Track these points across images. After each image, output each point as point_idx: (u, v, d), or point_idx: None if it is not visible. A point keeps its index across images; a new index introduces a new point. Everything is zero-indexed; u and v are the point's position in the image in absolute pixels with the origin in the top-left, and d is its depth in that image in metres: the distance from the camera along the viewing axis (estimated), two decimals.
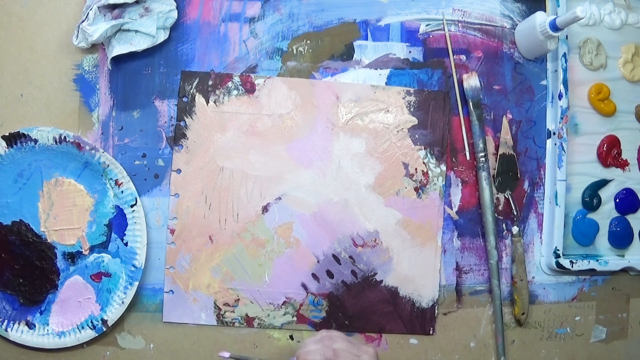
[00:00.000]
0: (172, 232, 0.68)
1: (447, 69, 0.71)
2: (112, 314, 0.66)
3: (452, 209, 0.71)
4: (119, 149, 0.68)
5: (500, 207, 0.71)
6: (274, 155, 0.69)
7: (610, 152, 0.72)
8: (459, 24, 0.72)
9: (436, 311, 0.70)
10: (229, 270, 0.68)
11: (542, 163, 0.72)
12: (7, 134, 0.65)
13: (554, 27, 0.64)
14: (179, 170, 0.68)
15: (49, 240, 0.66)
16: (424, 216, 0.70)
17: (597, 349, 0.73)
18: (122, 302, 0.66)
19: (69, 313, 0.66)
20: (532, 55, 0.72)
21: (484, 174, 0.69)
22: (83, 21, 0.63)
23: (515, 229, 0.70)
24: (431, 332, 0.70)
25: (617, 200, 0.73)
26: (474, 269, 0.71)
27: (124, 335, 0.68)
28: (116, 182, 0.66)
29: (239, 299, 0.68)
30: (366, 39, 0.71)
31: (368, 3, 0.71)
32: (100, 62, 0.68)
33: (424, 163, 0.70)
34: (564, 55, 0.69)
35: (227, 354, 0.60)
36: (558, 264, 0.69)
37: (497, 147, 0.71)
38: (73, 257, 0.67)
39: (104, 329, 0.65)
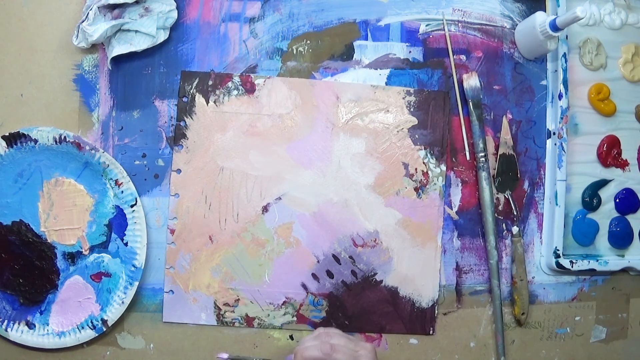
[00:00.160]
0: (172, 232, 0.68)
1: (447, 69, 0.71)
2: (112, 314, 0.66)
3: (452, 209, 0.71)
4: (119, 149, 0.68)
5: (500, 207, 0.71)
6: (274, 155, 0.69)
7: (610, 152, 0.72)
8: (459, 24, 0.72)
9: (436, 311, 0.70)
10: (229, 270, 0.68)
11: (542, 163, 0.72)
12: (7, 134, 0.65)
13: (554, 27, 0.64)
14: (179, 170, 0.68)
15: (49, 240, 0.66)
16: (424, 216, 0.70)
17: (597, 349, 0.73)
18: (122, 302, 0.66)
19: (69, 313, 0.66)
20: (532, 55, 0.72)
21: (484, 174, 0.69)
22: (83, 21, 0.63)
23: (515, 229, 0.70)
24: (431, 332, 0.70)
25: (617, 200, 0.73)
26: (474, 269, 0.71)
27: (124, 335, 0.68)
28: (116, 182, 0.66)
29: (239, 299, 0.68)
30: (366, 39, 0.71)
31: (368, 3, 0.71)
32: (100, 62, 0.68)
33: (424, 163, 0.70)
34: (564, 55, 0.69)
35: (225, 355, 0.60)
36: (558, 264, 0.69)
37: (497, 147, 0.71)
38: (73, 257, 0.67)
39: (104, 329, 0.65)
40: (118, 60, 0.67)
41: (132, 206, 0.66)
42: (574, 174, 0.71)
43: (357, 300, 0.69)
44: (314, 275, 0.69)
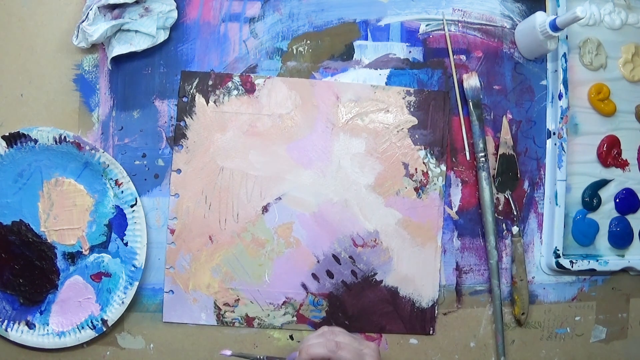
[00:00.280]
0: (172, 232, 0.68)
1: (447, 69, 0.71)
2: (112, 314, 0.66)
3: (452, 209, 0.71)
4: (119, 149, 0.68)
5: (500, 207, 0.71)
6: (274, 155, 0.69)
7: (610, 152, 0.72)
8: (459, 24, 0.72)
9: (436, 311, 0.70)
10: (229, 270, 0.68)
11: (542, 163, 0.72)
12: (7, 134, 0.65)
13: (554, 27, 0.64)
14: (179, 170, 0.68)
15: (49, 240, 0.66)
16: (424, 216, 0.70)
17: (597, 349, 0.73)
18: (122, 302, 0.66)
19: (69, 313, 0.66)
20: (532, 55, 0.72)
21: (484, 174, 0.69)
22: (83, 21, 0.63)
23: (515, 229, 0.70)
24: (431, 332, 0.70)
25: (617, 200, 0.73)
26: (474, 269, 0.71)
27: (124, 335, 0.68)
28: (116, 182, 0.66)
29: (239, 299, 0.68)
30: (366, 39, 0.71)
31: (368, 3, 0.71)
32: (100, 62, 0.68)
33: (424, 163, 0.70)
34: (564, 55, 0.69)
35: (228, 352, 0.60)
36: (558, 264, 0.69)
37: (497, 147, 0.71)
38: (73, 257, 0.67)
39: (104, 329, 0.65)
40: (118, 60, 0.67)
41: (132, 206, 0.66)
42: (574, 174, 0.71)
43: (357, 300, 0.69)
44: (314, 275, 0.69)
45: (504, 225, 0.71)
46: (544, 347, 0.72)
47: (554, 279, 0.72)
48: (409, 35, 0.71)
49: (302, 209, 0.69)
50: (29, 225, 0.66)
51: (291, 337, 0.69)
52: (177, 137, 0.68)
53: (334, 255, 0.69)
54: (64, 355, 0.67)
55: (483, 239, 0.71)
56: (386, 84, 0.71)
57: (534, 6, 0.72)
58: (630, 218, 0.73)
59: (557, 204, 0.69)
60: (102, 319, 0.66)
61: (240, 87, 0.69)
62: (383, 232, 0.69)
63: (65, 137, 0.65)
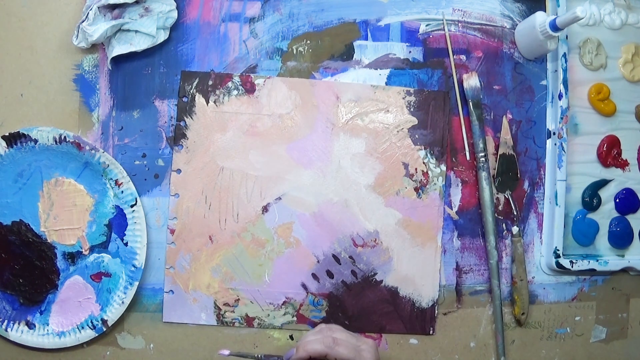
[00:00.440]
0: (172, 232, 0.68)
1: (447, 69, 0.71)
2: (112, 314, 0.66)
3: (452, 209, 0.71)
4: (119, 149, 0.68)
5: (500, 207, 0.71)
6: (274, 155, 0.69)
7: (610, 152, 0.72)
8: (459, 24, 0.72)
9: (436, 311, 0.70)
10: (229, 270, 0.68)
11: (542, 163, 0.72)
12: (7, 134, 0.65)
13: (554, 27, 0.64)
14: (179, 170, 0.68)
15: (49, 240, 0.66)
16: (424, 216, 0.70)
17: (597, 349, 0.73)
18: (122, 302, 0.66)
19: (69, 313, 0.66)
20: (532, 55, 0.72)
21: (484, 174, 0.69)
22: (83, 21, 0.63)
23: (515, 229, 0.70)
24: (431, 332, 0.70)
25: (617, 200, 0.73)
26: (474, 269, 0.71)
27: (124, 335, 0.68)
28: (116, 182, 0.66)
29: (239, 299, 0.68)
30: (366, 39, 0.71)
31: (368, 3, 0.71)
32: (100, 62, 0.68)
33: (424, 163, 0.70)
34: (564, 55, 0.69)
35: (227, 352, 0.60)
36: (558, 264, 0.69)
37: (497, 147, 0.71)
38: (73, 257, 0.67)
39: (104, 329, 0.65)
40: (118, 60, 0.67)
41: (132, 206, 0.66)
42: (574, 174, 0.71)
43: (357, 300, 0.69)
44: (314, 275, 0.69)
45: (504, 225, 0.71)
46: (544, 347, 0.72)
47: (554, 279, 0.72)
48: (409, 35, 0.71)
49: (302, 209, 0.69)
50: (29, 225, 0.66)
51: (291, 337, 0.69)
52: (177, 137, 0.68)
53: (334, 255, 0.69)
54: (64, 355, 0.67)
55: (483, 239, 0.71)
56: (386, 84, 0.71)
57: (534, 6, 0.72)
58: (630, 218, 0.73)
59: (557, 204, 0.69)
60: (102, 319, 0.66)
61: (240, 87, 0.69)
62: (383, 232, 0.69)
63: (65, 137, 0.65)
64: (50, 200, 0.66)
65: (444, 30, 0.71)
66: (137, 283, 0.66)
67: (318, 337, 0.57)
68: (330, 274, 0.69)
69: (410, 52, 0.71)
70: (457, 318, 0.71)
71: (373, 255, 0.69)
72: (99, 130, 0.68)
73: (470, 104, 0.70)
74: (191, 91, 0.68)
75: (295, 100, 0.69)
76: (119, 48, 0.65)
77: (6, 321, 0.65)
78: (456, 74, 0.71)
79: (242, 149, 0.68)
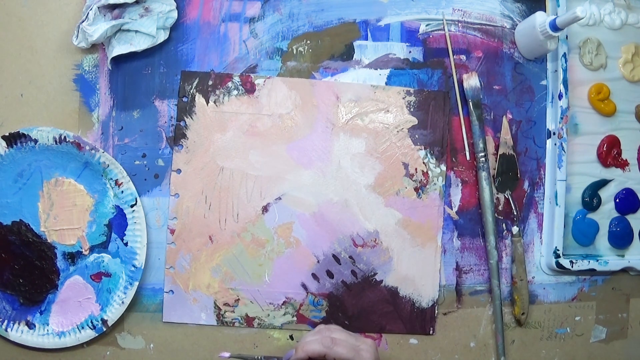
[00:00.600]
0: (172, 232, 0.68)
1: (447, 69, 0.71)
2: (112, 314, 0.66)
3: (452, 209, 0.71)
4: (119, 149, 0.68)
5: (500, 207, 0.71)
6: (274, 155, 0.69)
7: (610, 152, 0.72)
8: (459, 24, 0.72)
9: (436, 311, 0.70)
10: (229, 270, 0.68)
11: (542, 163, 0.72)
12: (7, 134, 0.65)
13: (554, 27, 0.64)
14: (179, 170, 0.68)
15: (49, 240, 0.66)
16: (424, 216, 0.70)
17: (597, 349, 0.73)
18: (122, 302, 0.66)
19: (69, 313, 0.66)
20: (532, 55, 0.72)
21: (484, 174, 0.69)
22: (83, 21, 0.63)
23: (515, 229, 0.70)
24: (431, 332, 0.70)
25: (617, 200, 0.73)
26: (474, 269, 0.71)
27: (124, 335, 0.68)
28: (116, 182, 0.66)
29: (239, 299, 0.68)
30: (366, 39, 0.71)
31: (368, 3, 0.71)
32: (100, 62, 0.68)
33: (424, 163, 0.70)
34: (564, 55, 0.69)
35: (227, 354, 0.60)
36: (558, 264, 0.69)
37: (497, 147, 0.71)
38: (73, 257, 0.67)
39: (104, 329, 0.65)
40: (118, 60, 0.67)
41: (132, 206, 0.66)
42: (574, 174, 0.71)
43: (357, 300, 0.69)
44: (314, 275, 0.69)
45: (504, 225, 0.71)
46: (544, 347, 0.72)
47: (554, 279, 0.72)
48: (409, 35, 0.71)
49: (302, 209, 0.69)
50: (29, 225, 0.66)
51: (291, 337, 0.69)
52: (177, 137, 0.68)
53: (334, 255, 0.69)
54: (64, 355, 0.67)
55: (483, 239, 0.71)
56: (386, 84, 0.71)
57: (534, 6, 0.72)
58: (630, 218, 0.73)
59: (557, 204, 0.69)
60: (102, 319, 0.66)
61: (240, 87, 0.69)
62: (383, 232, 0.69)
63: (65, 137, 0.65)
64: (50, 200, 0.66)
65: (444, 30, 0.71)
66: (137, 283, 0.66)
67: (317, 337, 0.57)
68: (330, 274, 0.69)
69: (410, 52, 0.71)
70: (457, 318, 0.71)
71: (373, 255, 0.69)
72: (99, 130, 0.68)
73: (470, 104, 0.70)
74: (191, 91, 0.68)
75: (295, 100, 0.69)
76: (119, 48, 0.65)
77: (6, 321, 0.65)
78: (456, 74, 0.71)
79: (242, 149, 0.68)
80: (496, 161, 0.71)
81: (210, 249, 0.68)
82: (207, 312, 0.68)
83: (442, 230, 0.70)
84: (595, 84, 0.72)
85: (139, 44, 0.66)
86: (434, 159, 0.70)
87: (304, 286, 0.69)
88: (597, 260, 0.70)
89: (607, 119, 0.72)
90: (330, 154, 0.69)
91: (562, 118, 0.69)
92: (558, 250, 0.69)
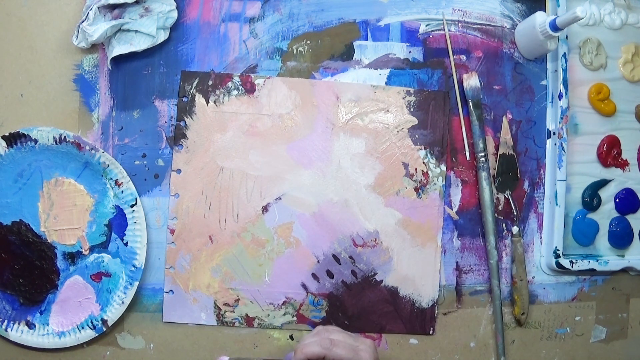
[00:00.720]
0: (172, 232, 0.68)
1: (447, 69, 0.71)
2: (112, 314, 0.66)
3: (452, 209, 0.71)
4: (119, 149, 0.68)
5: (500, 207, 0.71)
6: (274, 155, 0.69)
7: (610, 152, 0.72)
8: (459, 24, 0.72)
9: (436, 311, 0.70)
10: (229, 270, 0.68)
11: (542, 163, 0.72)
12: (7, 134, 0.65)
13: (554, 27, 0.64)
14: (179, 170, 0.68)
15: (49, 240, 0.66)
16: (424, 216, 0.70)
17: (597, 349, 0.73)
18: (122, 302, 0.66)
19: (69, 313, 0.66)
20: (532, 55, 0.72)
21: (484, 174, 0.69)
22: (83, 21, 0.63)
23: (515, 229, 0.70)
24: (431, 332, 0.70)
25: (617, 200, 0.73)
26: (474, 269, 0.71)
27: (124, 335, 0.68)
28: (116, 182, 0.66)
29: (239, 299, 0.68)
30: (366, 39, 0.71)
31: (368, 3, 0.71)
32: (100, 62, 0.68)
33: (424, 163, 0.70)
34: (564, 55, 0.69)
35: (226, 358, 0.60)
36: (558, 264, 0.69)
37: (497, 147, 0.71)
38: (73, 257, 0.67)
39: (104, 329, 0.65)
40: (118, 60, 0.67)
41: (132, 206, 0.66)
42: (574, 174, 0.71)
43: (357, 300, 0.69)
44: (314, 275, 0.69)
45: (504, 225, 0.71)
46: (544, 347, 0.72)
47: (554, 279, 0.72)
48: (409, 35, 0.71)
49: (302, 209, 0.69)
50: (29, 225, 0.66)
51: (291, 337, 0.69)
52: (177, 137, 0.68)
53: (334, 255, 0.69)
54: (64, 355, 0.67)
55: (483, 239, 0.71)
56: (386, 84, 0.71)
57: (534, 6, 0.72)
58: (630, 218, 0.73)
59: (557, 204, 0.69)
60: (102, 319, 0.66)
61: (240, 87, 0.69)
62: (383, 232, 0.69)
63: (65, 137, 0.65)
64: (50, 200, 0.66)
65: (444, 30, 0.71)
66: (137, 283, 0.66)
67: (315, 339, 0.57)
68: (330, 274, 0.69)
69: (410, 52, 0.71)
70: (457, 318, 0.71)
71: (373, 255, 0.69)
72: (99, 130, 0.68)
73: (470, 104, 0.70)
74: (191, 91, 0.68)
75: (295, 100, 0.69)
76: (119, 48, 0.65)
77: (6, 321, 0.65)
78: (456, 74, 0.71)
79: (242, 149, 0.68)
80: (496, 161, 0.71)
81: (210, 249, 0.68)
82: (207, 312, 0.68)
83: (442, 230, 0.70)
84: (595, 84, 0.72)
85: (139, 44, 0.66)
86: (434, 159, 0.70)
87: (304, 286, 0.69)
88: (597, 260, 0.70)
89: (607, 119, 0.72)
90: (330, 154, 0.69)
91: (562, 118, 0.69)
92: (558, 250, 0.69)
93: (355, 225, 0.69)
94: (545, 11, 0.71)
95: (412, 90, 0.70)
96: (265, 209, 0.69)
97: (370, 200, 0.69)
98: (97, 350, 0.68)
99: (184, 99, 0.68)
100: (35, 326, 0.66)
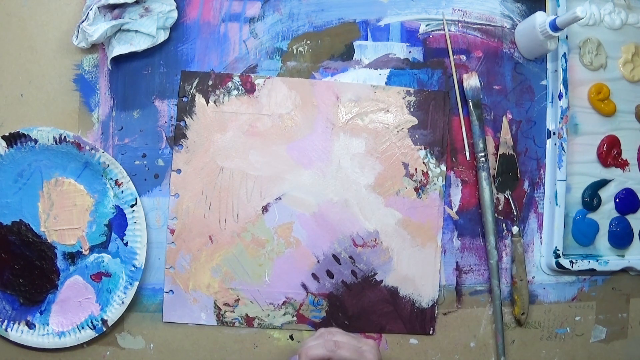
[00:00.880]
0: (172, 232, 0.68)
1: (447, 69, 0.71)
2: (112, 314, 0.66)
3: (452, 209, 0.71)
4: (119, 149, 0.68)
5: (500, 207, 0.71)
6: (274, 155, 0.69)
7: (610, 152, 0.72)
8: (459, 24, 0.72)
9: (436, 311, 0.70)
10: (229, 270, 0.68)
11: (542, 163, 0.72)
12: (7, 134, 0.65)
13: (554, 27, 0.64)
14: (179, 170, 0.68)
15: (49, 240, 0.66)
16: (424, 216, 0.70)
17: (597, 349, 0.73)
18: (122, 302, 0.66)
19: (69, 313, 0.66)
20: (532, 55, 0.72)
21: (484, 174, 0.69)
22: (83, 21, 0.63)
23: (515, 229, 0.70)
24: (431, 332, 0.70)
25: (617, 200, 0.73)
26: (474, 269, 0.71)
27: (124, 335, 0.68)
28: (116, 182, 0.66)
29: (239, 299, 0.68)
30: (366, 39, 0.71)
31: (368, 3, 0.71)
32: (100, 62, 0.68)
33: (424, 163, 0.70)
34: (564, 55, 0.69)
35: None
36: (558, 264, 0.69)
37: (497, 147, 0.71)
38: (73, 257, 0.67)
39: (104, 329, 0.65)
40: (118, 60, 0.67)
41: (132, 206, 0.66)
42: (574, 174, 0.71)
43: (357, 300, 0.69)
44: (314, 275, 0.69)
45: (504, 225, 0.71)
46: (544, 347, 0.72)
47: (554, 279, 0.72)
48: (409, 35, 0.71)
49: (302, 209, 0.69)
50: (29, 225, 0.66)
51: (291, 337, 0.69)
52: (177, 137, 0.68)
53: (334, 255, 0.69)
54: (64, 355, 0.67)
55: (483, 239, 0.71)
56: (386, 84, 0.71)
57: (534, 6, 0.72)
58: (630, 218, 0.73)
59: (557, 204, 0.69)
60: (102, 319, 0.66)
61: (240, 87, 0.69)
62: (383, 232, 0.69)
63: (65, 137, 0.65)
64: (50, 200, 0.66)
65: (444, 30, 0.71)
66: (137, 283, 0.66)
67: (319, 341, 0.57)
68: (330, 274, 0.69)
69: (410, 52, 0.71)
70: (457, 318, 0.71)
71: (373, 255, 0.69)
72: (99, 130, 0.68)
73: (470, 104, 0.70)
74: (191, 91, 0.68)
75: (295, 100, 0.69)
76: (119, 48, 0.65)
77: (6, 321, 0.65)
78: (456, 74, 0.71)
79: (242, 149, 0.68)
80: (496, 161, 0.71)
81: (210, 249, 0.68)
82: (207, 312, 0.68)
83: (442, 230, 0.70)
84: (595, 84, 0.72)
85: (139, 44, 0.66)
86: (434, 159, 0.70)
87: (304, 286, 0.69)
88: (597, 260, 0.70)
89: (607, 119, 0.72)
90: (330, 154, 0.69)
91: (562, 118, 0.69)
92: (558, 250, 0.69)
93: (355, 225, 0.69)
94: (545, 11, 0.71)
95: (412, 90, 0.70)
96: (265, 209, 0.69)
97: (370, 200, 0.69)
98: (97, 350, 0.68)
99: (184, 99, 0.68)
100: (35, 326, 0.66)
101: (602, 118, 0.72)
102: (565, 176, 0.69)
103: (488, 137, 0.71)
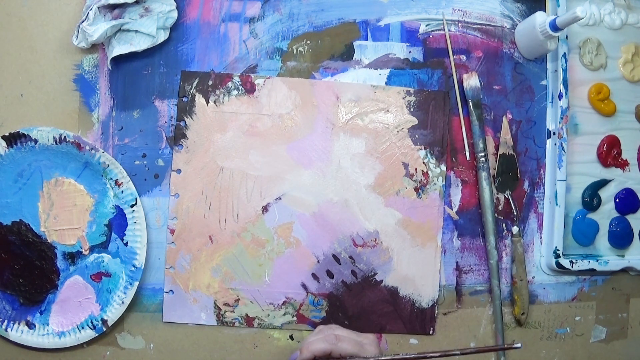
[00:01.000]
0: (172, 232, 0.68)
1: (447, 69, 0.71)
2: (112, 314, 0.66)
3: (452, 209, 0.71)
4: (119, 149, 0.68)
5: (500, 207, 0.71)
6: (274, 155, 0.69)
7: (610, 152, 0.72)
8: (459, 24, 0.72)
9: (436, 311, 0.70)
10: (229, 270, 0.68)
11: (542, 163, 0.72)
12: (7, 134, 0.65)
13: (554, 27, 0.64)
14: (179, 170, 0.68)
15: (49, 240, 0.66)
16: (424, 216, 0.70)
17: (597, 349, 0.73)
18: (122, 302, 0.66)
19: (69, 313, 0.66)
20: (532, 55, 0.72)
21: (484, 174, 0.69)
22: (83, 21, 0.63)
23: (515, 229, 0.70)
24: (431, 332, 0.70)
25: (617, 200, 0.73)
26: (474, 269, 0.71)
27: (124, 335, 0.68)
28: (116, 182, 0.66)
29: (239, 299, 0.68)
30: (366, 39, 0.71)
31: (368, 3, 0.71)
32: (100, 62, 0.68)
33: (424, 163, 0.70)
34: (564, 55, 0.69)
35: None
36: (558, 264, 0.69)
37: (497, 147, 0.71)
38: (73, 257, 0.67)
39: (104, 329, 0.65)
40: (118, 60, 0.67)
41: (132, 206, 0.66)
42: (574, 174, 0.71)
43: (357, 300, 0.69)
44: (314, 275, 0.69)
45: (504, 225, 0.71)
46: (544, 347, 0.72)
47: (554, 279, 0.72)
48: (409, 35, 0.71)
49: (302, 209, 0.69)
50: (29, 225, 0.66)
51: (291, 337, 0.69)
52: (177, 137, 0.68)
53: (334, 255, 0.69)
54: (64, 355, 0.67)
55: (483, 239, 0.71)
56: (386, 84, 0.71)
57: (534, 6, 0.72)
58: (630, 218, 0.73)
59: (557, 204, 0.69)
60: (102, 319, 0.66)
61: (240, 87, 0.69)
62: (383, 232, 0.69)
63: (65, 137, 0.65)
64: (50, 200, 0.66)
65: (444, 30, 0.71)
66: (137, 283, 0.66)
67: (320, 336, 0.57)
68: (330, 274, 0.69)
69: (410, 52, 0.71)
70: (457, 318, 0.71)
71: (373, 255, 0.69)
72: (99, 130, 0.68)
73: (470, 104, 0.70)
74: (191, 91, 0.68)
75: (295, 100, 0.69)
76: (119, 48, 0.65)
77: (6, 321, 0.65)
78: (456, 74, 0.71)
79: (242, 149, 0.68)
80: (496, 161, 0.71)
81: (210, 249, 0.68)
82: (207, 312, 0.68)
83: (442, 230, 0.70)
84: (595, 84, 0.72)
85: (139, 44, 0.66)
86: (434, 159, 0.70)
87: (304, 286, 0.69)
88: (597, 260, 0.70)
89: (607, 119, 0.72)
90: (330, 154, 0.69)
91: (562, 118, 0.69)
92: (558, 250, 0.69)
93: (355, 225, 0.69)
94: (545, 11, 0.71)
95: (412, 90, 0.70)
96: (265, 209, 0.69)
97: (370, 200, 0.69)
98: (97, 350, 0.68)
99: (184, 99, 0.68)
100: (35, 326, 0.66)
101: (602, 118, 0.72)
102: (565, 176, 0.69)
103: (488, 137, 0.71)
